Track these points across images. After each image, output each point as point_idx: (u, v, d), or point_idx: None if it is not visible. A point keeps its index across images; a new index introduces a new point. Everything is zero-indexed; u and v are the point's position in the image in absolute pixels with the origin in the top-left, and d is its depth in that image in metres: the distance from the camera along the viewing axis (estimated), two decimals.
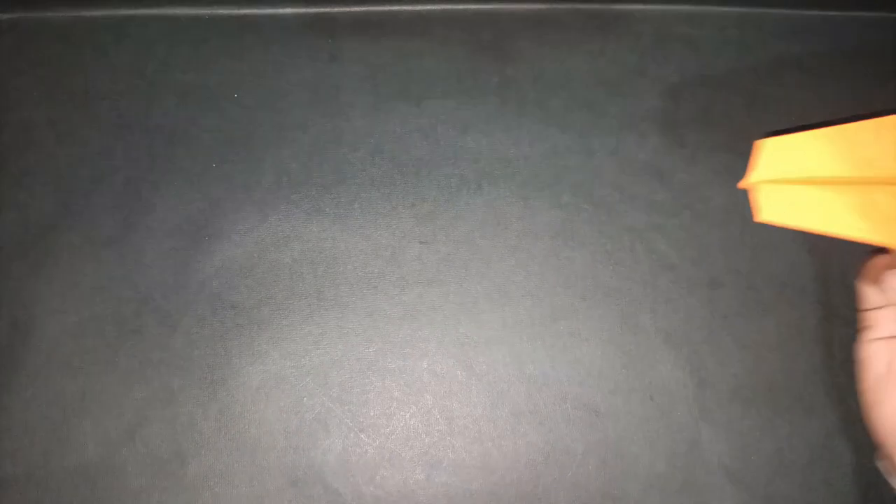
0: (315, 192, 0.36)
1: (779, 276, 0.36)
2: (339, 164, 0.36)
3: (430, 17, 0.39)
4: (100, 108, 0.37)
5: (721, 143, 0.37)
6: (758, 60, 0.39)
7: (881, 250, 0.32)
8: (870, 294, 0.31)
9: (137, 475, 0.32)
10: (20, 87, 0.37)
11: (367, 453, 0.33)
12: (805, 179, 0.31)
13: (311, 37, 0.38)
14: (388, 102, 0.37)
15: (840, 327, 0.35)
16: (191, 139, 0.36)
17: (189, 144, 0.36)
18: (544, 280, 0.35)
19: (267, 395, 0.34)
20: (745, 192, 0.37)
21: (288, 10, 0.38)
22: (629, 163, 0.37)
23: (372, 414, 0.34)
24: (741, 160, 0.37)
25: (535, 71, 0.38)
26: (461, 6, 0.39)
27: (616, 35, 0.39)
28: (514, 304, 0.35)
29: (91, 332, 0.34)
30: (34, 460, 0.32)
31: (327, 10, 0.38)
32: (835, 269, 0.36)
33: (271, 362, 0.34)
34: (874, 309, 0.31)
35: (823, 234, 0.31)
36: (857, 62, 0.39)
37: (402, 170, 0.36)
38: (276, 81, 0.37)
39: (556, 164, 0.36)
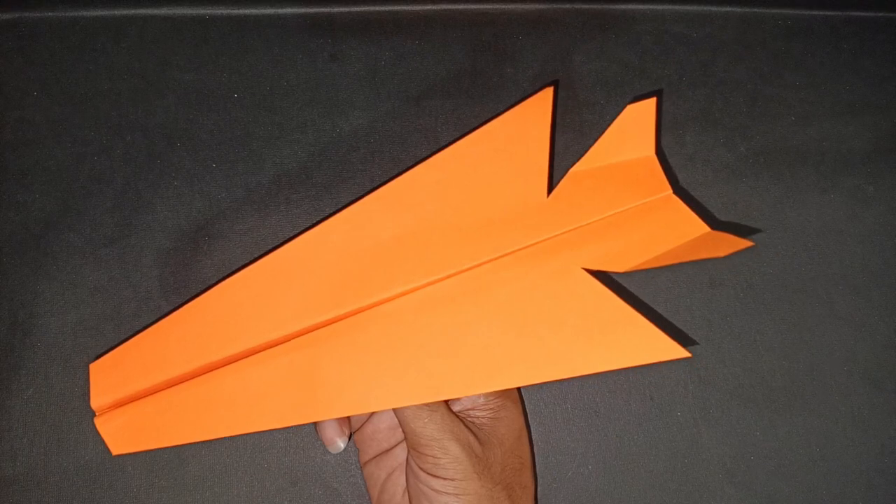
0: (315, 192, 0.36)
1: (779, 276, 0.36)
2: (339, 164, 0.36)
3: (430, 17, 0.39)
4: (100, 108, 0.37)
5: (721, 142, 0.37)
6: (758, 60, 0.39)
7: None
8: (328, 429, 0.30)
9: (137, 475, 0.32)
10: (20, 87, 0.37)
11: None
12: (147, 390, 0.28)
13: (311, 37, 0.38)
14: (388, 102, 0.37)
15: (840, 327, 0.35)
16: (191, 139, 0.36)
17: (189, 144, 0.36)
18: None
19: None
20: (744, 192, 0.37)
21: (288, 10, 0.38)
22: None
23: None
24: (741, 160, 0.37)
25: (535, 71, 0.38)
26: (461, 6, 0.39)
27: (616, 35, 0.39)
28: None
29: (91, 332, 0.34)
30: (34, 460, 0.32)
31: (327, 10, 0.38)
32: (835, 268, 0.36)
33: None
34: (353, 433, 0.31)
35: (197, 441, 0.27)
36: (858, 62, 0.39)
37: (402, 170, 0.36)
38: (276, 81, 0.37)
39: (555, 164, 0.36)
